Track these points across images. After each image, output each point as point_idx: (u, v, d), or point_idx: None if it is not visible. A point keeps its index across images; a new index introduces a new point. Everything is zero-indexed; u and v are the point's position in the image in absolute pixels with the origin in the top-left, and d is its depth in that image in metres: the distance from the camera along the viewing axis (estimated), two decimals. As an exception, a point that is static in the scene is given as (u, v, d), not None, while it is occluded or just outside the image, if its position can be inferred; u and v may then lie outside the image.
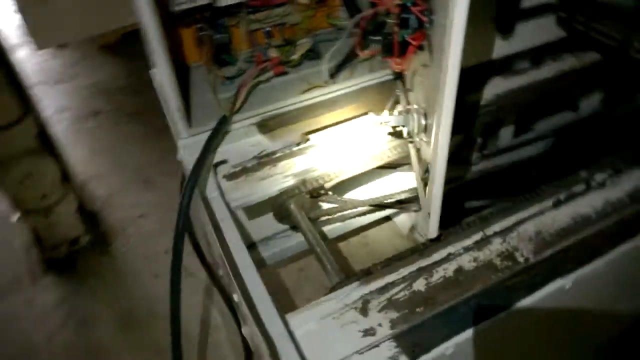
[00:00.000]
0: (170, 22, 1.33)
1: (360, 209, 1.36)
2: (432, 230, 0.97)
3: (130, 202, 2.27)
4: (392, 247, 1.92)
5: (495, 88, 1.40)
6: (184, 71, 1.43)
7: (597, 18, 1.25)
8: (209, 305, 1.84)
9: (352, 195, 1.48)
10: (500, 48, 1.38)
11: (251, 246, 1.38)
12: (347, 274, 1.03)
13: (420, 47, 0.99)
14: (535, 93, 1.41)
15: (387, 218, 2.01)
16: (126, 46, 3.26)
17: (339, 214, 1.36)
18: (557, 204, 1.09)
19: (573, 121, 1.78)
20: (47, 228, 1.94)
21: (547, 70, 1.47)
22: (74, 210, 2.02)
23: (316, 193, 1.30)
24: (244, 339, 1.23)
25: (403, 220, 1.96)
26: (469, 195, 1.70)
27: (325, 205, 1.34)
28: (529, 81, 1.43)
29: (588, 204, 1.09)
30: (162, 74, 1.11)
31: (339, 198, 1.32)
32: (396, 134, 1.18)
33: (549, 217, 1.07)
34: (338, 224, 1.50)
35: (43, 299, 1.87)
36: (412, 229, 1.94)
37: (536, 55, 1.59)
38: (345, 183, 1.46)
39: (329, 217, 1.33)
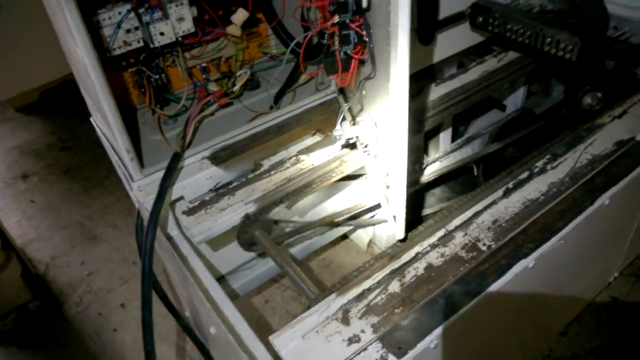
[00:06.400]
0: (109, 67, 1.33)
1: (324, 225, 1.38)
2: (399, 232, 1.00)
3: (77, 260, 2.17)
4: (352, 265, 1.94)
5: (429, 95, 1.48)
6: (125, 114, 1.42)
7: (509, 19, 1.35)
8: (180, 350, 1.79)
9: (315, 212, 1.50)
10: (428, 57, 1.46)
11: (219, 279, 1.36)
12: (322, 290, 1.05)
13: (362, 61, 1.04)
14: (466, 95, 1.49)
15: (344, 236, 2.05)
16: (45, 105, 3.17)
17: (302, 234, 1.38)
18: (507, 193, 1.16)
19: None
20: (-9, 299, 1.83)
21: (474, 73, 1.57)
22: (18, 276, 1.91)
23: (278, 217, 1.31)
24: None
25: (360, 236, 2.00)
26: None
27: (287, 229, 1.35)
28: (459, 84, 1.52)
29: (534, 188, 1.17)
30: (109, 119, 1.10)
31: (301, 219, 1.34)
32: (350, 146, 1.22)
33: (502, 205, 1.13)
34: (301, 245, 1.52)
35: (-3, 375, 1.76)
36: (370, 243, 1.98)
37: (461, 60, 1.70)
38: (307, 202, 1.48)
39: (293, 238, 1.34)
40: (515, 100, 1.96)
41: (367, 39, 0.97)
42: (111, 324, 1.92)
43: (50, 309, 2.00)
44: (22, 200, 2.52)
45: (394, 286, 0.99)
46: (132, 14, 1.24)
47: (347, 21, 0.97)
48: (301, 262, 1.74)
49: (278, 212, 1.26)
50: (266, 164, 1.31)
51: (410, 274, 1.01)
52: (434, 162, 1.70)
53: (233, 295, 1.40)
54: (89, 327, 1.93)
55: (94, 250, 2.21)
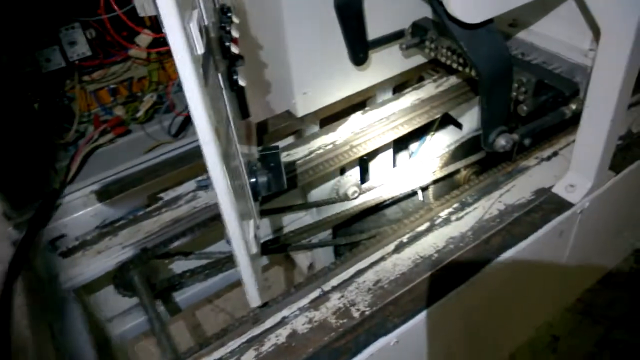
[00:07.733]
0: None
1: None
2: (252, 299, 0.90)
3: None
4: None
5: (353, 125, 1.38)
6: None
7: (444, 42, 1.24)
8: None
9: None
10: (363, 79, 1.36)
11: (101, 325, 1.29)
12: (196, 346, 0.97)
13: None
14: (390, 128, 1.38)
15: (287, 256, 1.96)
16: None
17: (203, 272, 1.30)
18: (400, 247, 1.06)
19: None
20: None
21: (406, 100, 1.45)
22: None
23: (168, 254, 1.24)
24: None
25: (302, 258, 1.91)
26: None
27: (181, 268, 1.28)
28: (388, 114, 1.41)
29: (431, 243, 1.06)
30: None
31: (192, 254, 1.27)
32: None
33: (390, 262, 1.03)
34: (210, 281, 1.44)
35: None
36: (311, 266, 1.90)
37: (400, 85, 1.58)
38: (209, 236, 1.40)
39: (185, 279, 1.27)
40: (471, 119, 1.84)
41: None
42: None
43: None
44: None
45: (249, 356, 0.91)
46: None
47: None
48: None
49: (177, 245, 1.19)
50: (162, 199, 1.23)
51: (269, 342, 0.92)
52: (370, 189, 1.60)
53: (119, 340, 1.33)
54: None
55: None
